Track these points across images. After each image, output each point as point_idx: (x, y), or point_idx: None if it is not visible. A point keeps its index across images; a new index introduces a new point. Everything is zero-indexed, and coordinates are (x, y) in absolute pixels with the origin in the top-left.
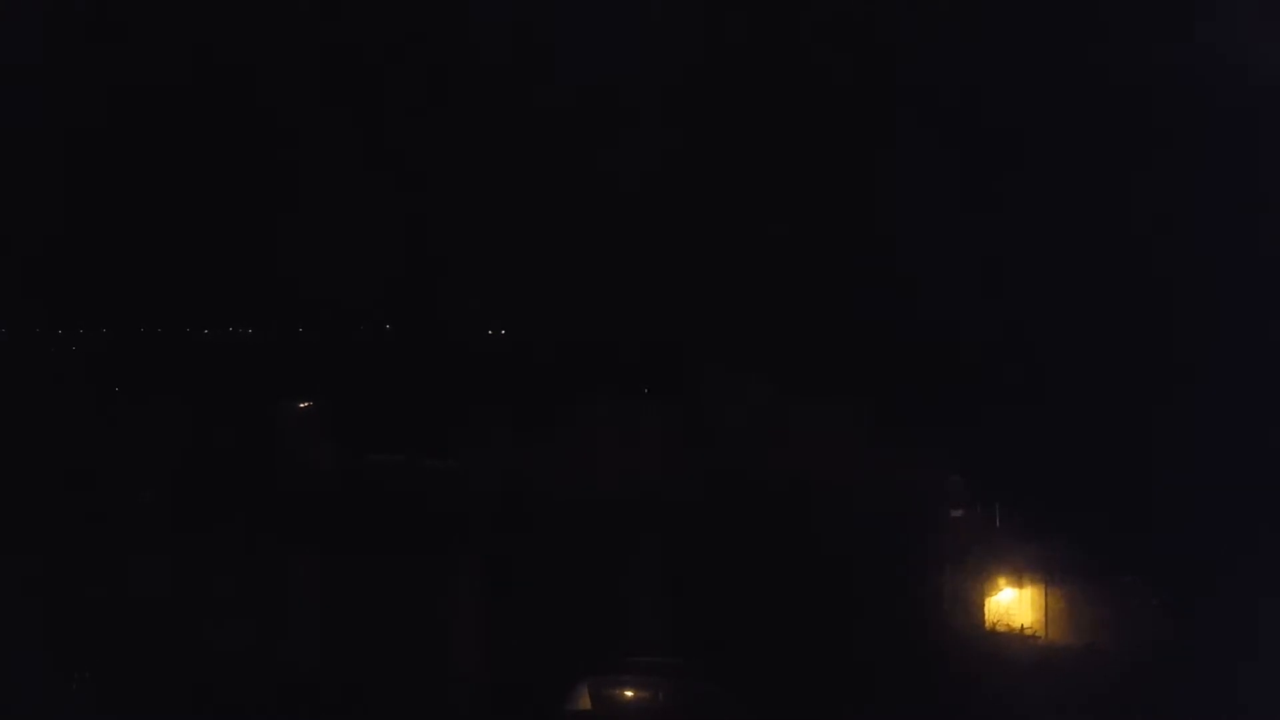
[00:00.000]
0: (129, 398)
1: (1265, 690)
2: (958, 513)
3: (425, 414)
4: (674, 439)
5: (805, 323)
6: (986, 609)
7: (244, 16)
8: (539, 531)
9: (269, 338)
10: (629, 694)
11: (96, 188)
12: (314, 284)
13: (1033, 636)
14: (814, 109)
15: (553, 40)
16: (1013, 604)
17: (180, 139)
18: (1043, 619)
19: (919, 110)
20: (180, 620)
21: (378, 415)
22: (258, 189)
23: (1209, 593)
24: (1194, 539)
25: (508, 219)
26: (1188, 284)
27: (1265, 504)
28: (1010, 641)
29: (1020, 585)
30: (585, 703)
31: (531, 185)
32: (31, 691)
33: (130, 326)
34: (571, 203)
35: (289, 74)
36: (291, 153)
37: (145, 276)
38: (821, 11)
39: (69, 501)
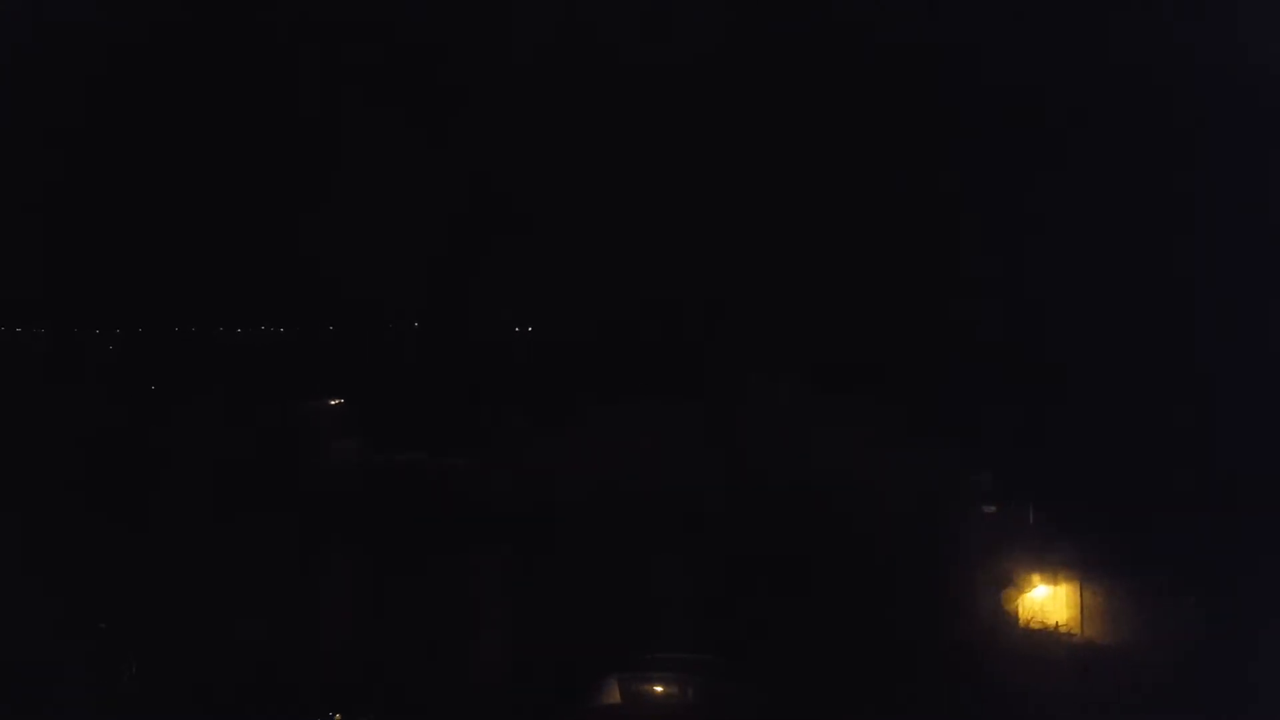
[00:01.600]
0: (158, 397)
1: None
2: (990, 509)
3: (452, 411)
4: (702, 437)
5: (835, 321)
6: (1020, 606)
7: (274, 14)
8: (566, 528)
9: (296, 336)
10: (658, 690)
11: (125, 188)
12: (341, 283)
13: (1067, 634)
14: (837, 104)
15: (589, 39)
16: (1047, 601)
17: (211, 138)
18: (1078, 616)
19: (942, 109)
20: (210, 615)
21: (405, 413)
22: (286, 189)
23: (1245, 591)
24: (1230, 536)
25: (535, 218)
26: (1224, 279)
27: None
28: (1044, 639)
29: (1055, 582)
30: (614, 697)
31: (559, 184)
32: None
33: (161, 326)
34: (599, 201)
35: (319, 73)
36: (322, 152)
37: (175, 277)
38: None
39: (100, 499)
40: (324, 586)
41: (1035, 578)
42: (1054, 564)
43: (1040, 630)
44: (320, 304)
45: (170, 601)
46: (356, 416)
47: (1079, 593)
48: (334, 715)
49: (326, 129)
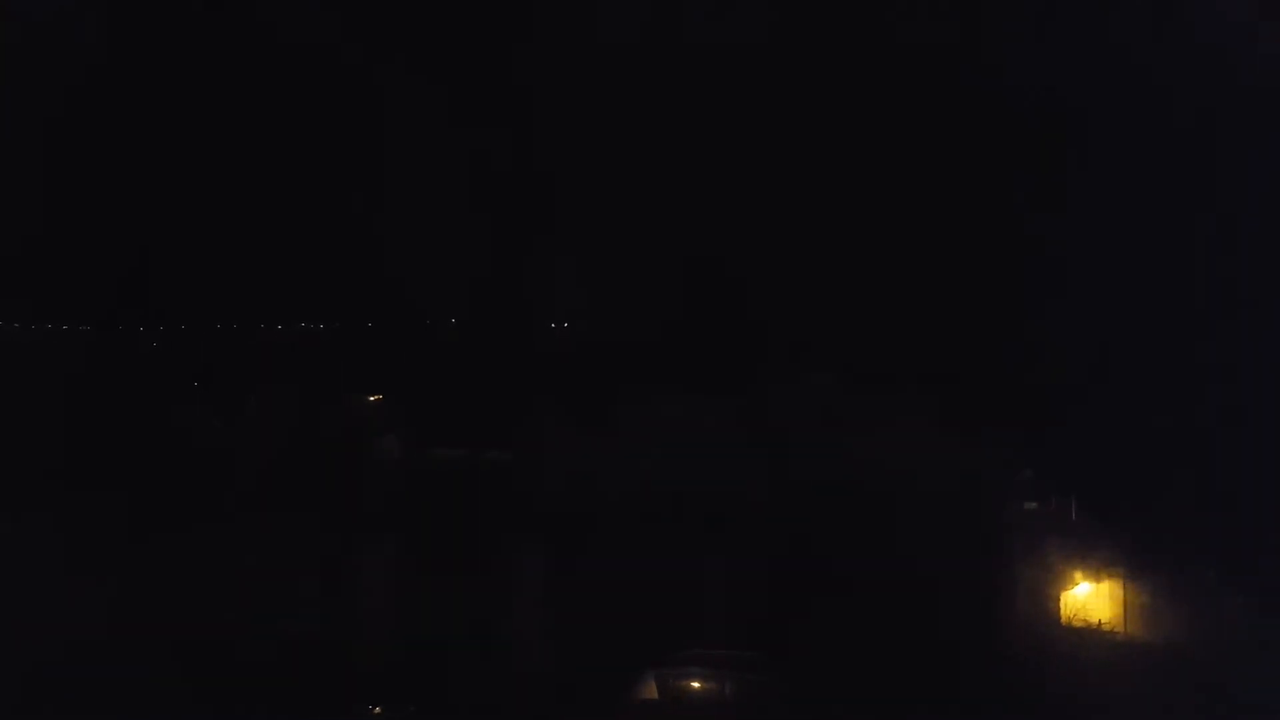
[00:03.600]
0: (201, 394)
1: None
2: (1031, 506)
3: (493, 408)
4: (743, 434)
5: (875, 317)
6: (1062, 603)
7: (295, 9)
8: (606, 524)
9: (337, 333)
10: (695, 685)
11: (168, 183)
12: (382, 280)
13: (1111, 632)
14: (878, 101)
15: (635, 35)
16: (1089, 598)
17: (256, 133)
18: (1121, 614)
19: (972, 106)
20: (255, 610)
21: (446, 409)
22: (326, 184)
23: None
24: (1276, 532)
25: (575, 215)
26: (1268, 273)
27: None
28: (1087, 636)
29: (1097, 580)
30: (652, 692)
31: (603, 181)
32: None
33: (202, 323)
34: (642, 198)
35: (364, 67)
36: (365, 147)
37: (216, 273)
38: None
39: (145, 496)
40: (366, 582)
41: (1078, 575)
42: (1096, 561)
43: (1083, 628)
44: (361, 300)
45: (215, 597)
46: (398, 413)
47: (1122, 590)
48: (374, 709)
49: (370, 123)
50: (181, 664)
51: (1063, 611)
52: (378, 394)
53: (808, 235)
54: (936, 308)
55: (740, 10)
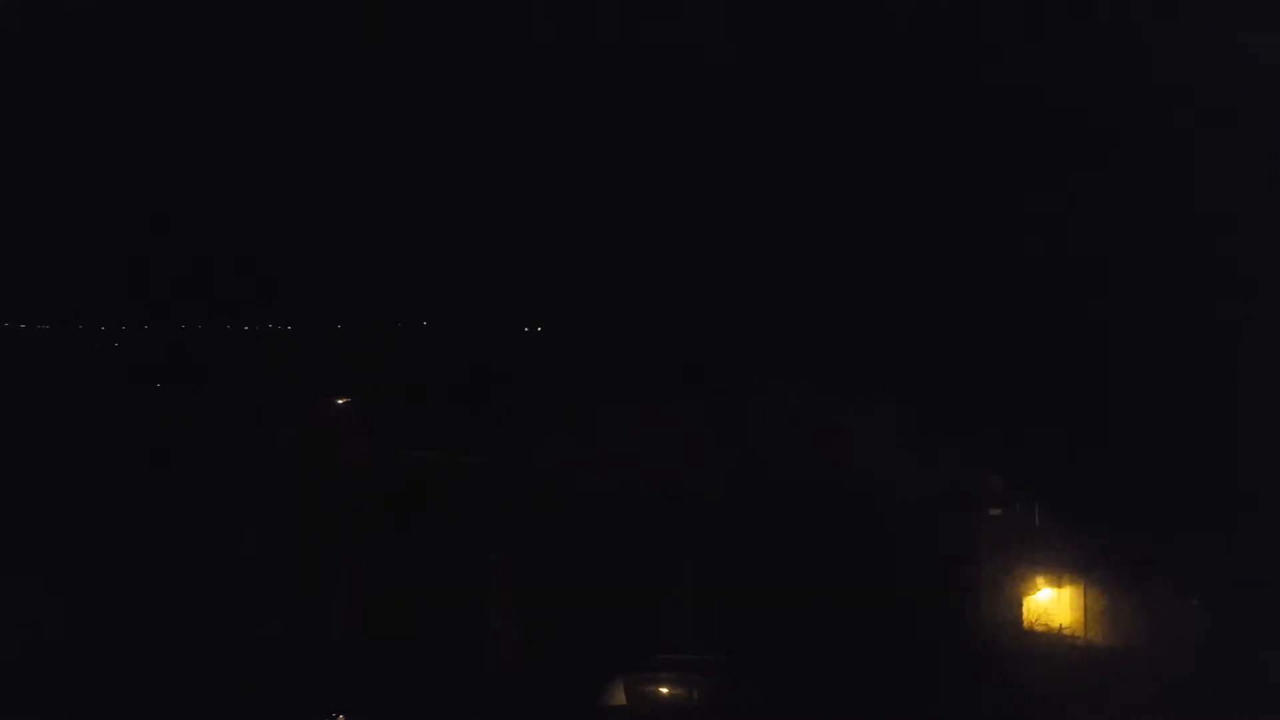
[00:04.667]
0: (163, 396)
1: None
2: (996, 511)
3: (463, 410)
4: (709, 436)
5: (843, 320)
6: (1025, 608)
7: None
8: (574, 528)
9: (305, 334)
10: (664, 691)
11: (127, 182)
12: (350, 280)
13: (1071, 636)
14: (839, 98)
15: (593, 31)
16: (1051, 603)
17: (212, 133)
18: (1081, 619)
19: (944, 106)
20: (218, 616)
21: (415, 411)
22: (291, 184)
23: (1249, 593)
24: (1234, 538)
25: (550, 216)
26: (1223, 279)
27: None
28: (1048, 641)
29: (1059, 585)
30: (621, 698)
31: (570, 181)
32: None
33: (166, 323)
34: (610, 200)
35: (322, 68)
36: (329, 148)
37: (179, 273)
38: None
39: (102, 499)
40: (333, 586)
41: (1040, 580)
42: (1058, 566)
43: (1043, 632)
44: (329, 302)
45: (177, 602)
46: (367, 415)
47: (1083, 595)
48: (337, 717)
49: (331, 123)
50: (140, 671)
51: (1024, 616)
52: (346, 396)
53: (778, 240)
54: (904, 314)
55: (696, 7)
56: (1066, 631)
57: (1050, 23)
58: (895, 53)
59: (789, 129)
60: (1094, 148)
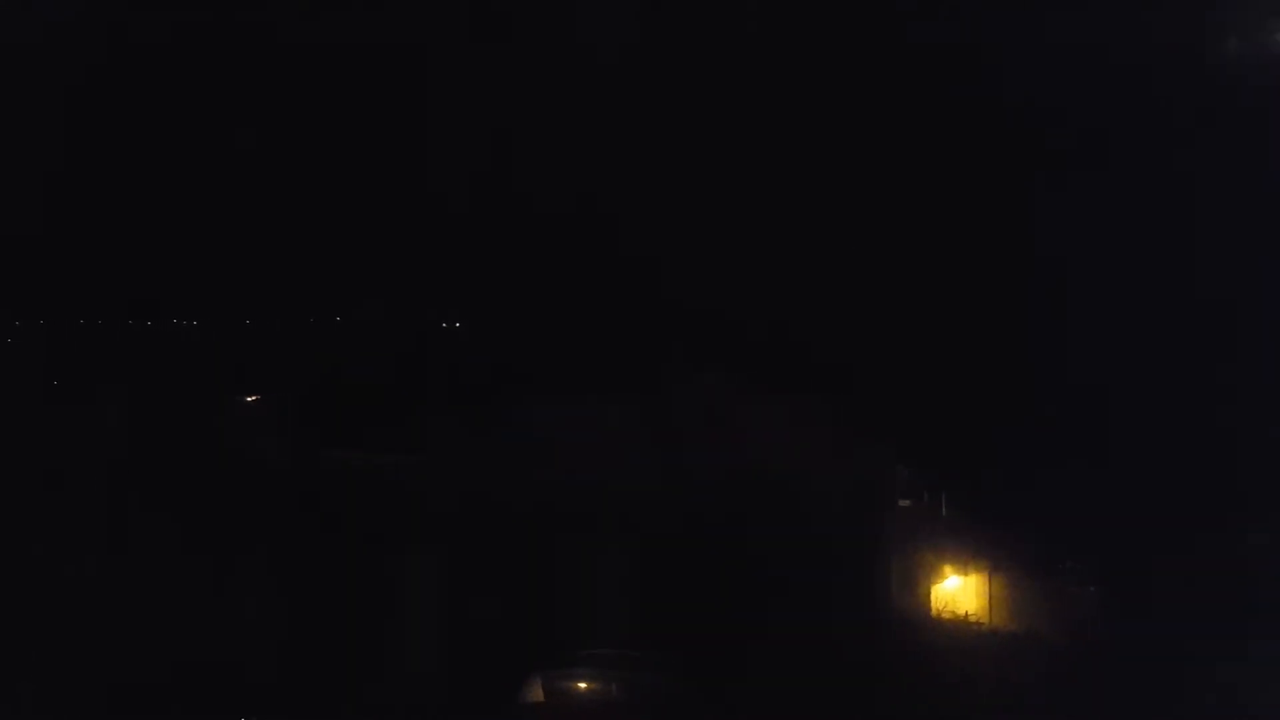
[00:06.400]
0: (70, 393)
1: (1192, 675)
2: (905, 503)
3: (384, 409)
4: (626, 433)
5: (759, 316)
6: (933, 596)
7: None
8: (494, 527)
9: (220, 329)
10: (582, 686)
11: (42, 173)
12: (266, 274)
13: (976, 623)
14: (772, 101)
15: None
16: (958, 591)
17: (130, 124)
18: (986, 606)
19: (893, 101)
20: (130, 620)
21: (335, 410)
22: (210, 174)
23: (1141, 580)
24: (1129, 529)
25: (475, 212)
26: (1130, 274)
27: (1200, 495)
28: (954, 628)
29: (965, 573)
30: (538, 695)
31: (499, 180)
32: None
33: (73, 317)
34: (541, 199)
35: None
36: (250, 139)
37: (90, 265)
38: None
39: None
40: (248, 589)
41: (947, 569)
42: (964, 555)
43: (950, 619)
44: (244, 295)
45: (86, 606)
46: (284, 413)
47: (988, 583)
48: None
49: (253, 116)
50: (40, 686)
51: (932, 604)
52: (259, 394)
53: (696, 239)
54: (816, 310)
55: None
56: (972, 618)
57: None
58: (828, 47)
59: (713, 129)
60: (1017, 146)
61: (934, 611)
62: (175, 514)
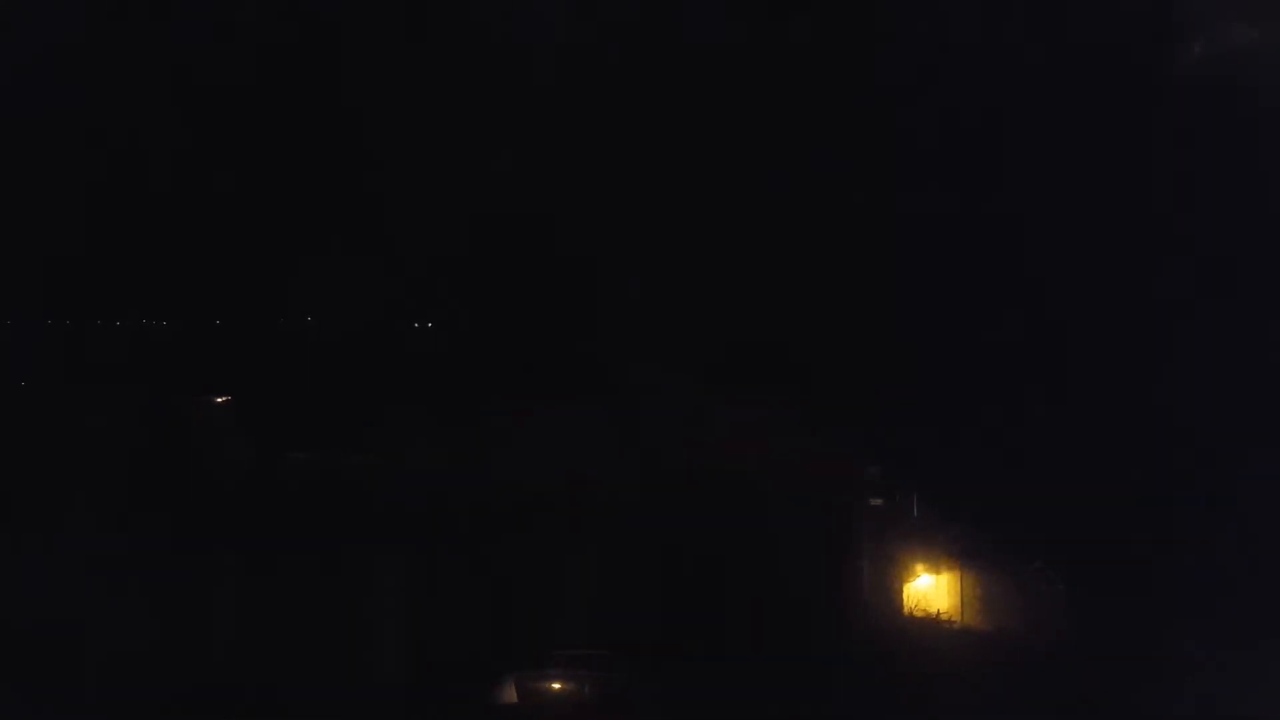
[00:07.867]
0: (27, 394)
1: (1157, 668)
2: (877, 502)
3: (346, 409)
4: (595, 434)
5: (726, 313)
6: (905, 595)
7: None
8: (464, 527)
9: (181, 330)
10: (554, 686)
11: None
12: (228, 275)
13: (948, 621)
14: (739, 107)
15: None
16: (930, 590)
17: (90, 128)
18: (957, 604)
19: (852, 103)
20: (88, 623)
21: (297, 410)
22: (171, 176)
23: (1108, 579)
24: (1096, 529)
25: (436, 213)
26: (1095, 271)
27: (1164, 497)
28: (926, 626)
29: (937, 572)
30: (511, 696)
31: (460, 180)
32: None
33: (32, 318)
34: (500, 198)
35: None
36: (211, 141)
37: (47, 265)
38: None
39: None
40: (211, 590)
41: (919, 568)
42: (936, 555)
43: (922, 618)
44: (206, 296)
45: (44, 609)
46: (245, 414)
47: (959, 582)
48: None
49: (212, 117)
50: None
51: (904, 602)
52: (225, 395)
53: (662, 238)
54: (786, 310)
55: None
56: (943, 616)
57: None
58: (799, 50)
59: (665, 129)
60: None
61: (906, 609)
62: (141, 514)
